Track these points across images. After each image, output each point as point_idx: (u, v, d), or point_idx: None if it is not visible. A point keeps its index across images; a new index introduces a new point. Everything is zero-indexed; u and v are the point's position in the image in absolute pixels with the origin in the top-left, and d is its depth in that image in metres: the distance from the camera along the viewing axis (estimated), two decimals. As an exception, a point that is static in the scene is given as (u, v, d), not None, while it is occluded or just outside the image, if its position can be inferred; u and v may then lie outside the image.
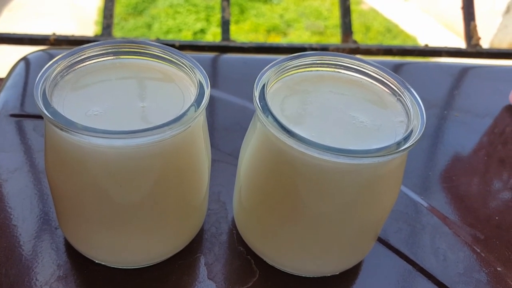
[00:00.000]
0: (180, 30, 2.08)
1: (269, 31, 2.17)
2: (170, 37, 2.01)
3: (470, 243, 0.39)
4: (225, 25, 0.71)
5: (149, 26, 2.10)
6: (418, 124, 0.29)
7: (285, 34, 2.18)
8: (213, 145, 0.46)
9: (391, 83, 0.32)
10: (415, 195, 0.43)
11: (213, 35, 2.02)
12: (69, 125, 0.26)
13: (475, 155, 0.49)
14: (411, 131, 0.28)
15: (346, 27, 0.72)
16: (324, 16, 2.27)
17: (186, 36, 2.04)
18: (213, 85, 0.54)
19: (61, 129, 0.27)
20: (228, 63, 0.59)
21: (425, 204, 0.42)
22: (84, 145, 0.27)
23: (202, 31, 2.09)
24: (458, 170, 0.46)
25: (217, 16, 2.08)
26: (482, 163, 0.48)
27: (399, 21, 2.29)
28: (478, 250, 0.38)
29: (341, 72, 0.33)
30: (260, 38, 2.08)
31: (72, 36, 0.66)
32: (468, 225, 0.41)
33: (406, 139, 0.28)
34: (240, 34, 2.10)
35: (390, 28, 2.26)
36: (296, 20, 2.26)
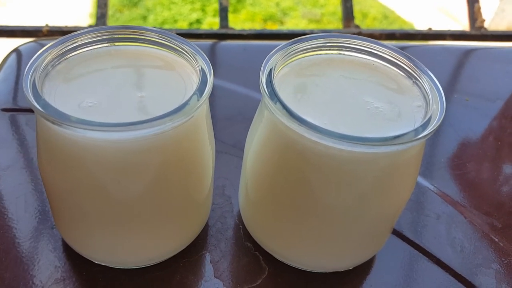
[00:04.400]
0: (175, 21, 2.05)
1: (265, 19, 2.14)
2: (166, 27, 1.98)
3: (487, 232, 0.37)
4: (223, 12, 0.69)
5: (144, 18, 2.07)
6: (437, 109, 0.27)
7: (281, 22, 2.16)
8: (216, 136, 0.44)
9: (407, 66, 0.30)
10: (428, 183, 0.41)
11: (209, 25, 1.99)
12: (61, 118, 0.24)
13: (487, 140, 0.47)
14: (430, 117, 0.26)
15: (348, 12, 0.70)
16: (321, 3, 2.24)
17: (182, 27, 2.01)
18: (213, 74, 0.51)
19: (53, 123, 0.25)
20: (228, 50, 0.57)
21: (439, 193, 0.40)
22: (79, 139, 0.25)
23: (198, 21, 2.06)
24: (470, 156, 0.44)
25: (212, 6, 2.05)
26: (494, 148, 0.46)
27: (396, 7, 2.27)
28: (496, 240, 0.37)
29: (352, 55, 0.31)
30: (256, 27, 2.06)
31: (66, 26, 0.64)
32: (484, 214, 0.39)
33: (425, 125, 0.26)
34: (237, 23, 2.07)
35: (387, 15, 2.23)
36: (292, 8, 2.23)
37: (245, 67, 0.52)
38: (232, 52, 0.56)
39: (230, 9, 2.13)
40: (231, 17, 2.08)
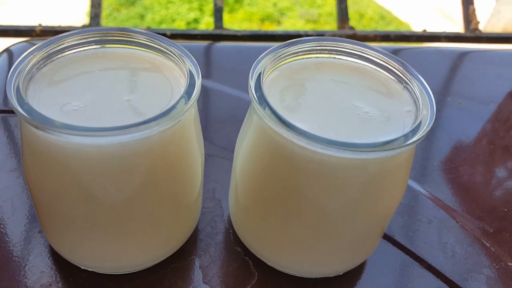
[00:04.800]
0: (173, 20, 2.05)
1: (263, 20, 2.14)
2: (163, 27, 1.97)
3: (479, 237, 0.37)
4: (218, 12, 0.68)
5: (141, 17, 2.07)
6: (427, 114, 0.26)
7: (279, 22, 2.15)
8: (206, 138, 0.44)
9: (397, 70, 0.29)
10: (420, 187, 0.41)
11: (206, 25, 1.99)
12: (45, 123, 0.24)
13: (480, 143, 0.47)
14: (420, 122, 0.26)
15: (343, 13, 0.70)
16: (318, 4, 2.24)
17: (180, 26, 2.00)
18: (207, 75, 0.51)
19: (37, 128, 0.24)
20: (222, 52, 0.56)
21: (430, 197, 0.40)
22: (63, 144, 0.25)
23: (196, 20, 2.06)
24: (463, 160, 0.44)
25: (210, 6, 2.04)
26: (487, 152, 0.46)
27: (393, 8, 2.27)
28: (488, 245, 0.36)
29: (342, 59, 0.31)
30: (254, 27, 2.05)
31: (59, 26, 0.63)
32: (476, 218, 0.39)
33: (415, 130, 0.26)
34: (234, 23, 2.07)
35: (384, 15, 2.23)
36: (290, 8, 2.22)
37: (239, 69, 0.52)
38: (226, 54, 0.55)
39: (228, 9, 2.13)
40: (228, 17, 2.08)
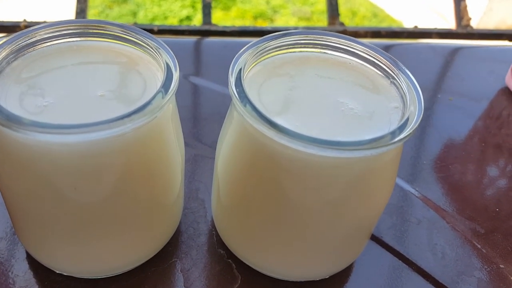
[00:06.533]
0: (165, 18, 2.03)
1: (255, 17, 2.13)
2: (156, 24, 1.96)
3: (469, 238, 0.36)
4: (206, 8, 0.67)
5: (134, 14, 2.05)
6: (415, 111, 0.25)
7: (271, 20, 2.14)
8: (193, 136, 0.42)
9: (384, 64, 0.28)
10: (409, 186, 0.40)
11: (199, 22, 1.97)
12: (11, 120, 0.22)
13: (471, 141, 0.46)
14: (407, 118, 0.25)
15: (333, 9, 0.69)
16: (311, 1, 2.23)
17: (172, 23, 1.99)
18: (194, 72, 0.50)
19: (3, 125, 0.23)
20: (209, 47, 0.55)
21: (420, 196, 0.39)
22: (31, 143, 0.23)
23: (188, 18, 2.04)
24: (453, 158, 0.43)
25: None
26: (478, 150, 0.45)
27: (385, 6, 2.26)
28: (479, 246, 0.35)
29: (327, 53, 0.30)
30: (246, 24, 2.04)
31: (44, 22, 0.62)
32: (467, 218, 0.38)
33: (402, 128, 0.24)
34: (227, 21, 2.06)
35: (376, 13, 2.22)
36: (283, 6, 2.21)
37: (224, 64, 0.50)
38: (213, 50, 0.54)
39: (221, 6, 2.11)
40: (221, 14, 2.06)
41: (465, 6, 0.72)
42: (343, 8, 2.19)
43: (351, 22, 2.13)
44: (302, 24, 2.07)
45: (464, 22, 0.69)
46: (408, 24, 2.11)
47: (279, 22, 2.12)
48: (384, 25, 2.14)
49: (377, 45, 0.62)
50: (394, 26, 2.12)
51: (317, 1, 2.25)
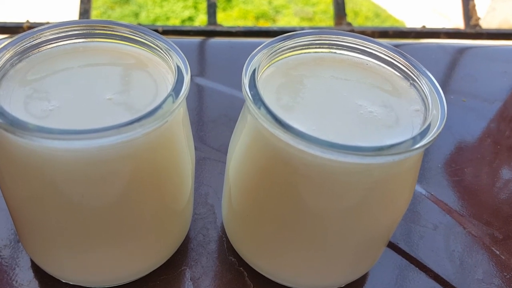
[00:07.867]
0: (167, 18, 2.03)
1: (257, 17, 2.12)
2: (158, 25, 1.96)
3: (488, 244, 0.35)
4: (211, 8, 0.66)
5: (136, 15, 2.04)
6: (438, 115, 0.24)
7: (274, 20, 2.13)
8: (200, 139, 0.41)
9: (403, 65, 0.27)
10: (424, 191, 0.38)
11: (201, 23, 1.97)
12: (16, 126, 0.21)
13: (485, 143, 0.45)
14: (430, 123, 0.24)
15: (340, 9, 0.68)
16: (313, 1, 2.22)
17: (174, 24, 1.98)
18: (199, 73, 0.49)
19: (7, 131, 0.22)
20: (214, 48, 0.54)
21: (436, 201, 0.38)
22: (37, 149, 0.22)
23: (190, 18, 2.03)
24: (468, 161, 0.42)
25: (205, 4, 2.01)
26: (493, 152, 0.44)
27: (387, 6, 2.25)
28: (498, 252, 0.34)
29: (343, 54, 0.28)
30: (248, 25, 2.03)
31: (48, 23, 0.61)
32: (484, 223, 0.36)
33: (424, 133, 0.23)
34: (229, 21, 2.05)
35: (379, 13, 2.21)
36: (285, 6, 2.21)
37: (231, 65, 0.49)
38: (218, 50, 0.53)
39: (223, 6, 2.11)
40: (223, 15, 2.06)
41: (474, 6, 0.71)
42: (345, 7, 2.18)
43: (353, 22, 2.12)
44: (305, 24, 2.06)
45: (472, 22, 0.68)
46: (410, 23, 2.10)
47: (281, 23, 2.11)
48: (386, 25, 2.13)
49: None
50: (397, 26, 2.11)
51: (320, 1, 2.24)
